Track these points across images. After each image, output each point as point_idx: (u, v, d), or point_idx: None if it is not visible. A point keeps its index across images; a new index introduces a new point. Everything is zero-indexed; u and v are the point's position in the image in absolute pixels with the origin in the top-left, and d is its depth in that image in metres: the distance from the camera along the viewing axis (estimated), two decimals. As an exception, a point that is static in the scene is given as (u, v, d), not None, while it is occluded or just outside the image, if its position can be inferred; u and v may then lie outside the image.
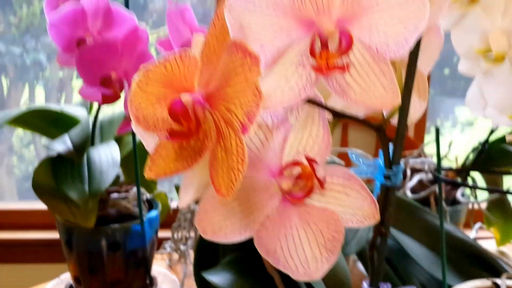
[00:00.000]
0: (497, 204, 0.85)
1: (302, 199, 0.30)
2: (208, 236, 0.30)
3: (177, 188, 0.63)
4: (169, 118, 0.28)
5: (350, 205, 0.30)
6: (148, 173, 0.29)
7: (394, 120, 0.34)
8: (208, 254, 0.61)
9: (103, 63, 0.52)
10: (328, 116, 0.32)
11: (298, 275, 0.30)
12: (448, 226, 0.67)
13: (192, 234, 0.87)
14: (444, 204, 0.76)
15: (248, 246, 0.52)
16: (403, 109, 0.32)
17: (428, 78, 1.29)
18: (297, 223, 0.30)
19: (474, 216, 0.88)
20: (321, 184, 0.29)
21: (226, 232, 0.30)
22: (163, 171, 0.29)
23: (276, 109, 0.29)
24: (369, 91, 0.29)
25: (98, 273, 0.72)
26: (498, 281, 0.57)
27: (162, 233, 0.94)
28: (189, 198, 0.30)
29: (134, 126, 0.30)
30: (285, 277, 0.47)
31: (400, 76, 0.33)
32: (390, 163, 0.34)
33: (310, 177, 0.30)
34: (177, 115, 0.27)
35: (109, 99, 0.55)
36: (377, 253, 0.35)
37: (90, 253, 0.71)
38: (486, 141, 0.76)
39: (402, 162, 0.80)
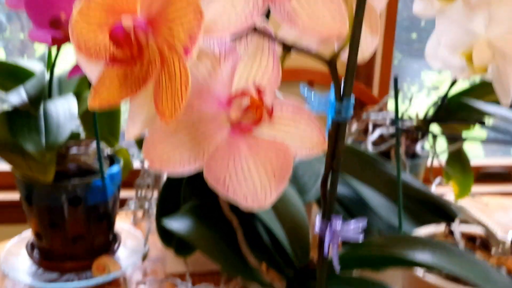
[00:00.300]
0: (456, 158, 0.87)
1: (251, 129, 0.30)
2: (156, 167, 0.30)
3: (137, 141, 0.63)
4: (111, 44, 0.27)
5: (298, 135, 0.30)
6: (91, 103, 0.29)
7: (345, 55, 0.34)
8: (170, 205, 0.61)
9: (51, 4, 0.50)
10: (279, 48, 0.31)
11: (247, 204, 0.30)
12: (406, 177, 0.68)
13: (156, 193, 0.86)
14: (403, 157, 0.78)
15: (207, 194, 0.52)
16: (354, 42, 0.32)
17: (392, 40, 1.29)
18: (246, 153, 0.30)
19: (434, 173, 0.90)
20: (270, 113, 0.29)
21: (174, 162, 0.30)
22: (106, 101, 0.28)
23: (222, 36, 0.28)
24: (317, 19, 0.29)
25: (59, 228, 0.71)
26: (452, 226, 0.59)
27: (127, 193, 0.93)
28: (135, 130, 0.30)
29: (76, 55, 0.29)
30: (242, 221, 0.48)
31: (351, 8, 0.33)
32: (341, 97, 0.34)
33: (259, 107, 0.29)
34: (119, 41, 0.26)
35: (59, 41, 0.53)
36: (329, 188, 0.36)
37: (51, 209, 0.70)
38: (445, 95, 0.77)
39: (363, 115, 0.80)
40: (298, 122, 0.30)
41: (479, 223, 0.57)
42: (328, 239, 0.36)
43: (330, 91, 0.34)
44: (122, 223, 0.84)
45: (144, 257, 0.77)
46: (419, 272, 0.53)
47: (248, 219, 0.50)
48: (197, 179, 0.57)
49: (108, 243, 0.76)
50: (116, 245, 0.77)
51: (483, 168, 1.15)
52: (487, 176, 1.14)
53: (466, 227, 0.62)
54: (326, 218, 0.36)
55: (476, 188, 1.13)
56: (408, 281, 0.55)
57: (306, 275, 0.46)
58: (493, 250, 0.56)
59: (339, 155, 0.35)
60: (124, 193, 0.95)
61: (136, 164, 0.85)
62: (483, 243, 0.59)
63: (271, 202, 0.30)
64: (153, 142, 0.30)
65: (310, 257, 0.48)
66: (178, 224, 0.49)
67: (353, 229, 0.36)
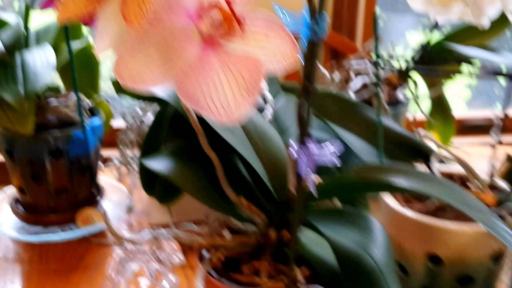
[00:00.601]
0: (437, 107, 0.88)
1: (222, 43, 0.29)
2: (127, 84, 0.30)
3: (113, 82, 0.62)
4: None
5: (270, 49, 0.30)
6: (59, 17, 0.28)
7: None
8: (153, 150, 0.61)
9: None
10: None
11: (220, 118, 0.30)
12: (386, 120, 0.69)
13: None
14: (385, 104, 0.78)
15: (188, 135, 0.52)
16: (326, -43, 0.32)
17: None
18: (218, 68, 0.30)
19: (417, 125, 0.91)
20: (241, 27, 0.29)
21: (145, 79, 0.30)
22: (74, 14, 0.28)
23: None
24: None
25: (42, 181, 0.71)
26: (431, 165, 0.60)
27: (111, 152, 0.93)
28: (104, 45, 0.30)
29: (42, -32, 0.28)
30: (223, 158, 0.48)
31: None
32: (315, 16, 0.33)
33: (229, 20, 0.29)
34: None
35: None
36: (305, 111, 0.36)
37: (32, 162, 0.70)
38: (427, 42, 0.77)
39: (344, 63, 0.80)
40: (270, 36, 0.30)
41: (459, 160, 0.57)
42: (303, 162, 0.36)
43: (304, 10, 0.34)
44: (107, 178, 0.84)
45: (129, 210, 0.78)
46: (398, 207, 0.54)
47: (229, 156, 0.50)
48: (179, 120, 0.56)
49: (92, 196, 0.76)
50: (100, 198, 0.77)
51: (466, 121, 1.16)
52: (470, 128, 1.15)
53: (445, 166, 0.63)
54: (302, 142, 0.36)
55: (459, 140, 1.14)
56: (386, 216, 0.56)
57: (285, 209, 0.46)
58: (472, 185, 0.57)
59: (314, 75, 0.35)
60: (108, 152, 0.94)
61: (119, 123, 0.84)
62: (462, 181, 0.60)
63: (242, 116, 0.30)
64: (123, 58, 0.29)
65: (289, 191, 0.48)
66: (159, 164, 0.49)
67: (329, 152, 0.36)
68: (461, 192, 0.44)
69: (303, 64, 0.34)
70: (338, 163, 0.37)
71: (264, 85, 0.60)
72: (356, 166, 0.57)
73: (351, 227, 0.44)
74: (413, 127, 0.90)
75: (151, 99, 0.58)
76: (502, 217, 0.50)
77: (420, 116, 0.90)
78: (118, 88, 0.56)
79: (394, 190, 0.45)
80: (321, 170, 0.55)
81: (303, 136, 0.36)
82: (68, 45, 0.68)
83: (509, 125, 1.25)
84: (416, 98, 0.80)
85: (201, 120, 0.47)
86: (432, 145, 0.90)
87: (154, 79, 0.30)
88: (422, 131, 0.90)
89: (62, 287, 0.64)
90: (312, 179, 0.37)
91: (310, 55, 0.34)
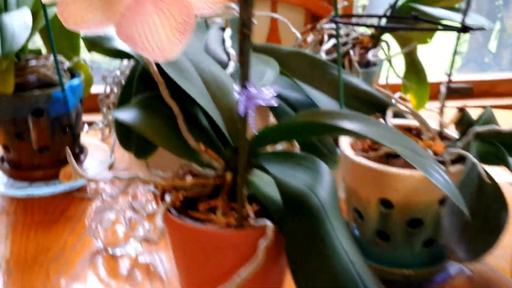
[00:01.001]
0: (411, 69, 0.90)
1: (155, -12, 0.32)
2: (70, 26, 0.33)
3: (84, 39, 0.65)
4: None
5: (201, -7, 0.33)
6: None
7: None
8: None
9: None
10: None
11: (155, 56, 0.33)
12: (352, 78, 0.72)
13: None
14: (357, 65, 0.81)
15: (156, 88, 0.55)
16: None
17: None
18: (152, 10, 0.33)
19: (393, 90, 0.93)
20: (172, -29, 0.32)
21: (88, 22, 0.33)
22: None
23: None
24: None
25: (25, 139, 0.74)
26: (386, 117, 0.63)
27: (95, 117, 0.96)
28: (50, -7, 0.33)
29: None
30: (184, 109, 0.51)
31: None
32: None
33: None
34: None
35: None
36: (244, 56, 0.39)
37: (15, 120, 0.73)
38: (395, 2, 0.79)
39: (318, 26, 0.82)
40: (201, -17, 0.33)
41: (412, 112, 0.60)
42: (243, 102, 0.39)
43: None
44: (91, 139, 0.88)
45: (111, 167, 0.82)
46: (353, 156, 0.58)
47: (190, 107, 0.53)
48: (148, 74, 0.60)
49: (74, 154, 0.80)
50: (83, 156, 0.81)
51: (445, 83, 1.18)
52: (450, 91, 1.17)
53: (405, 120, 0.66)
54: (243, 85, 0.39)
55: (439, 103, 1.16)
56: (345, 166, 0.59)
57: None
58: (424, 135, 0.60)
59: (249, 21, 0.37)
60: (94, 117, 0.97)
61: (102, 88, 0.87)
62: (418, 133, 0.63)
63: (176, 55, 0.33)
64: (66, 3, 0.32)
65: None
66: (125, 114, 0.53)
67: (267, 93, 0.40)
68: (403, 137, 0.47)
69: (239, 9, 0.37)
70: (276, 104, 0.40)
71: (228, 43, 0.62)
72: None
73: (299, 169, 0.47)
74: (387, 89, 0.93)
75: (119, 54, 0.61)
76: (443, 162, 0.53)
77: (395, 80, 0.93)
78: (89, 45, 0.59)
79: (337, 132, 0.48)
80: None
81: (244, 79, 0.39)
82: (42, 7, 0.70)
83: (489, 90, 1.28)
84: (388, 59, 0.82)
85: (166, 74, 0.51)
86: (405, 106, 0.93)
87: (95, 22, 0.33)
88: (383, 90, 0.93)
89: (45, 237, 0.68)
90: (253, 120, 0.40)
91: (244, 1, 0.37)
